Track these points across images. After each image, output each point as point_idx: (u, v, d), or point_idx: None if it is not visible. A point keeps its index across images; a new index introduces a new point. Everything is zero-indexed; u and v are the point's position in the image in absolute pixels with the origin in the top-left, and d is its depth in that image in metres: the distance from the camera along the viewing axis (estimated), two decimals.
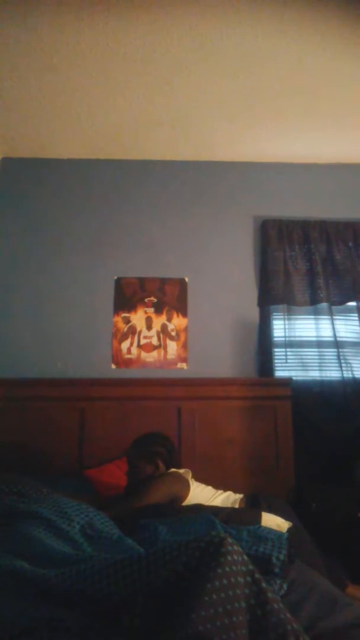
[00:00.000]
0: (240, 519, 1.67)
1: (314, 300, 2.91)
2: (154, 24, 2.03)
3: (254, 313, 2.95)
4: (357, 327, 2.94)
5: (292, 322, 2.93)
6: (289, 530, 1.68)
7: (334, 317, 2.90)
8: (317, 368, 2.88)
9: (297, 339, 2.92)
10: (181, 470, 2.06)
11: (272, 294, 2.91)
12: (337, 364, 2.84)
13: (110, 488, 2.28)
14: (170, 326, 2.93)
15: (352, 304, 2.95)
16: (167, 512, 1.70)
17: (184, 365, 2.88)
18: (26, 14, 1.98)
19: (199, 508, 1.78)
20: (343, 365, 2.82)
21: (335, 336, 2.86)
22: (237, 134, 2.86)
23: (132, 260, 3.00)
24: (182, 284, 2.99)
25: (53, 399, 2.66)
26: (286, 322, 2.92)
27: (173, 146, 3.00)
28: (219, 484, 2.15)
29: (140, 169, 3.12)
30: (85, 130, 2.82)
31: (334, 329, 2.87)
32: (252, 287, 2.99)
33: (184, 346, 2.90)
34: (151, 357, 2.89)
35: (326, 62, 2.26)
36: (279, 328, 2.94)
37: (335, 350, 2.85)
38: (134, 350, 2.89)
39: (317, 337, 2.90)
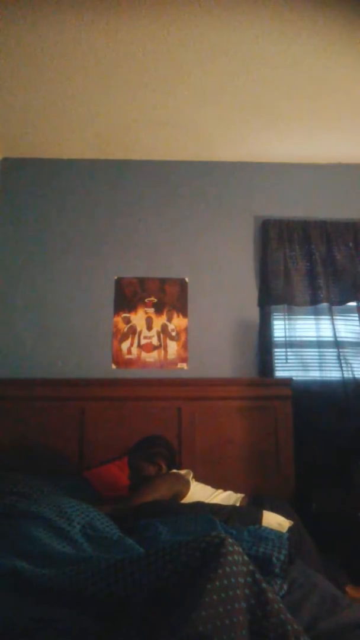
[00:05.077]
0: (241, 517, 1.67)
1: (314, 300, 2.91)
2: (154, 24, 2.03)
3: (254, 313, 2.95)
4: (358, 327, 2.93)
5: (292, 322, 2.93)
6: (290, 529, 1.68)
7: (334, 317, 2.89)
8: (317, 368, 2.87)
9: (298, 339, 2.91)
10: (182, 471, 2.07)
11: (273, 294, 2.91)
12: (337, 364, 2.83)
13: (110, 488, 2.28)
14: (171, 326, 2.93)
15: (352, 304, 2.94)
16: (167, 510, 1.70)
17: (184, 366, 2.88)
18: (26, 14, 1.98)
19: (199, 505, 1.78)
20: (343, 365, 2.82)
21: (335, 336, 2.86)
22: (238, 134, 2.86)
23: (132, 260, 3.00)
24: (182, 284, 2.98)
25: (53, 399, 2.66)
26: (286, 322, 2.92)
27: (173, 146, 3.00)
28: (219, 484, 2.15)
29: (140, 169, 3.12)
30: (85, 130, 2.82)
31: (334, 329, 2.86)
32: (252, 287, 2.99)
33: (184, 346, 2.90)
34: (151, 357, 2.89)
35: (326, 63, 2.26)
36: (279, 328, 2.94)
37: (336, 350, 2.85)
38: (134, 350, 2.89)
39: (317, 337, 2.90)
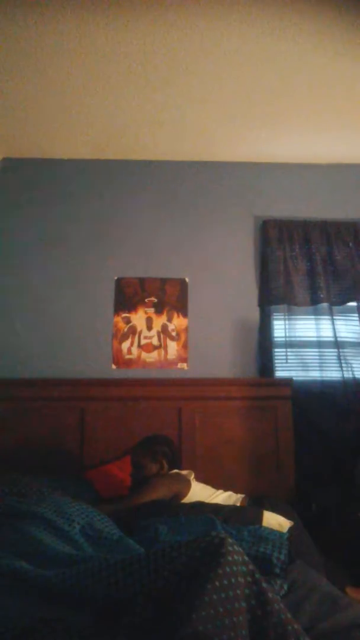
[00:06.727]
0: (241, 517, 1.67)
1: (314, 301, 2.91)
2: (154, 24, 2.03)
3: (254, 313, 2.95)
4: (358, 327, 2.93)
5: (292, 322, 2.93)
6: (290, 529, 1.68)
7: (335, 317, 2.89)
8: (317, 368, 2.87)
9: (298, 339, 2.92)
10: (184, 472, 2.07)
11: (273, 294, 2.91)
12: (337, 364, 2.83)
13: (110, 488, 2.28)
14: (171, 326, 2.93)
15: (353, 304, 2.94)
16: (167, 510, 1.70)
17: (185, 366, 2.88)
18: (26, 14, 1.98)
19: (200, 505, 1.78)
20: (343, 365, 2.82)
21: (335, 336, 2.86)
22: (238, 134, 2.86)
23: (132, 260, 3.00)
24: (182, 284, 2.98)
25: (53, 399, 2.66)
26: (286, 322, 2.92)
27: (173, 146, 3.00)
28: (219, 484, 2.15)
29: (140, 169, 3.12)
30: (85, 130, 2.82)
31: (334, 329, 2.86)
32: (253, 287, 2.99)
33: (185, 346, 2.90)
34: (151, 357, 2.89)
35: (326, 62, 2.26)
36: (280, 328, 2.94)
37: (336, 350, 2.85)
38: (135, 350, 2.89)
39: (317, 337, 2.90)
